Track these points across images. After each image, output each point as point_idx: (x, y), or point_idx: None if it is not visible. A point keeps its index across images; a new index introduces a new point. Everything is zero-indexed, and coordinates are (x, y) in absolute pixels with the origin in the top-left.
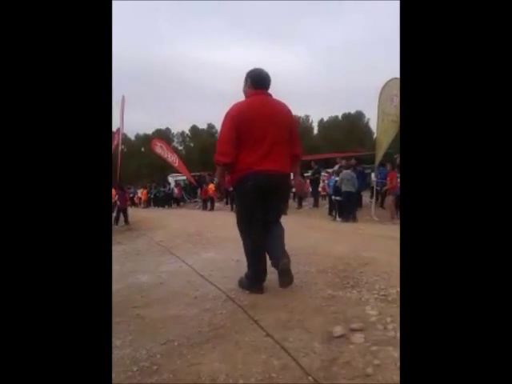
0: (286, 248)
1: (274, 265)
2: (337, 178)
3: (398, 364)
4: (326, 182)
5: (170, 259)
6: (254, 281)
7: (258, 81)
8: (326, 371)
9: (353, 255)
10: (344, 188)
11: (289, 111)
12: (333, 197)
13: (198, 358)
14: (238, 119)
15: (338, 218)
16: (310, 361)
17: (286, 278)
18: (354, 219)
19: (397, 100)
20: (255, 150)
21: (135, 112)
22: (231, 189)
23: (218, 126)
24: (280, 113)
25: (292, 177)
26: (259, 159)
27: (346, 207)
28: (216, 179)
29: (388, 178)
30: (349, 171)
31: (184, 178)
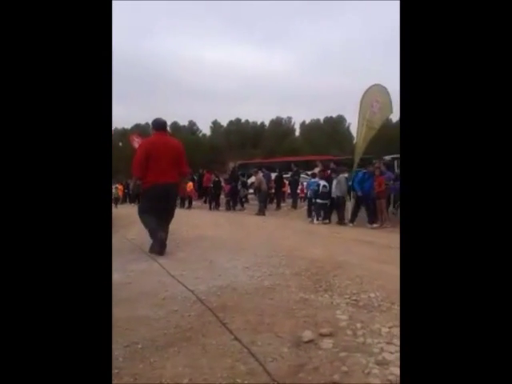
0: (265, 248)
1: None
2: (322, 182)
3: (366, 370)
4: (304, 184)
5: (141, 257)
6: (159, 247)
7: (157, 126)
8: (293, 377)
9: (327, 258)
10: (335, 193)
11: (178, 144)
12: (318, 200)
13: (162, 361)
14: (146, 150)
15: (315, 221)
16: (277, 366)
17: (162, 246)
18: (343, 222)
19: (377, 106)
20: (157, 169)
21: (114, 106)
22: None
23: (200, 124)
24: (172, 146)
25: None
26: (159, 175)
27: (339, 211)
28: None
29: (376, 183)
30: (341, 176)
31: None
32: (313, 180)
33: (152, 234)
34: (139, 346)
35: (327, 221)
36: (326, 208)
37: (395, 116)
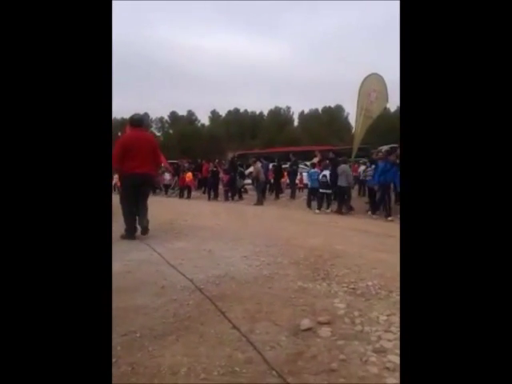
0: (264, 237)
1: (139, 223)
2: (325, 172)
3: (364, 358)
4: (304, 174)
5: (140, 247)
6: (129, 233)
7: (133, 123)
8: (291, 365)
9: (325, 247)
10: (339, 182)
11: (152, 139)
12: (320, 190)
13: (160, 350)
14: (123, 145)
15: (316, 210)
16: (275, 354)
17: (145, 231)
18: (349, 210)
19: (374, 95)
20: (134, 161)
21: (113, 95)
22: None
23: (198, 114)
24: (146, 140)
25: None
26: (136, 166)
27: (338, 201)
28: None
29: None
30: (345, 165)
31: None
32: (313, 170)
33: (125, 220)
34: (137, 335)
35: (328, 210)
36: (328, 197)
37: (393, 106)
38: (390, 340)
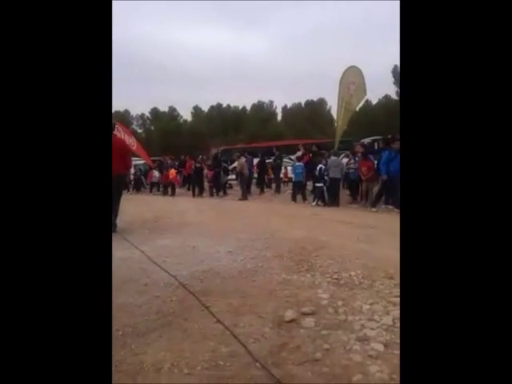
0: (248, 232)
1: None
2: (321, 166)
3: (347, 347)
4: (289, 168)
5: (123, 245)
6: None
7: None
8: (275, 357)
9: (310, 239)
10: (331, 174)
11: (123, 142)
12: (317, 184)
13: (143, 347)
14: None
15: (313, 203)
16: (259, 347)
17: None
18: (337, 204)
19: (353, 88)
20: None
21: None
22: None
23: (180, 110)
24: (117, 143)
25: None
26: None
27: (331, 193)
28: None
29: (364, 168)
30: (336, 158)
31: (143, 162)
32: (297, 163)
33: None
34: (120, 333)
35: (321, 203)
36: (321, 190)
37: (374, 98)
38: (372, 328)
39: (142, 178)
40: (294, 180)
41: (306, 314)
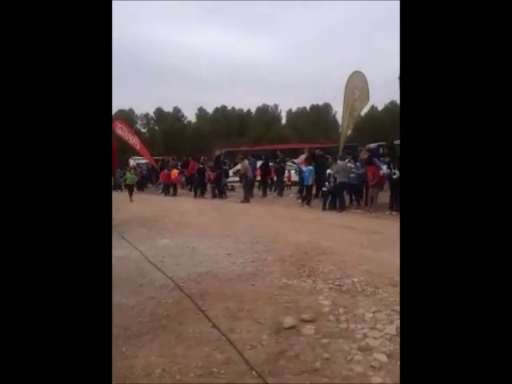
0: (247, 235)
1: None
2: (329, 171)
3: (349, 357)
4: (292, 172)
5: (121, 244)
6: None
7: None
8: (272, 365)
9: (311, 244)
10: (339, 179)
11: None
12: (323, 188)
13: (134, 350)
14: None
15: (323, 208)
16: (255, 354)
17: None
18: (344, 209)
19: (357, 93)
20: None
21: None
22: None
23: (185, 111)
24: None
25: None
26: None
27: (340, 197)
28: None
29: (370, 173)
30: (343, 162)
31: (146, 161)
32: (309, 167)
33: None
34: None
35: (332, 208)
36: (337, 194)
37: (380, 104)
38: (375, 338)
39: (153, 176)
40: (304, 183)
41: (305, 321)
